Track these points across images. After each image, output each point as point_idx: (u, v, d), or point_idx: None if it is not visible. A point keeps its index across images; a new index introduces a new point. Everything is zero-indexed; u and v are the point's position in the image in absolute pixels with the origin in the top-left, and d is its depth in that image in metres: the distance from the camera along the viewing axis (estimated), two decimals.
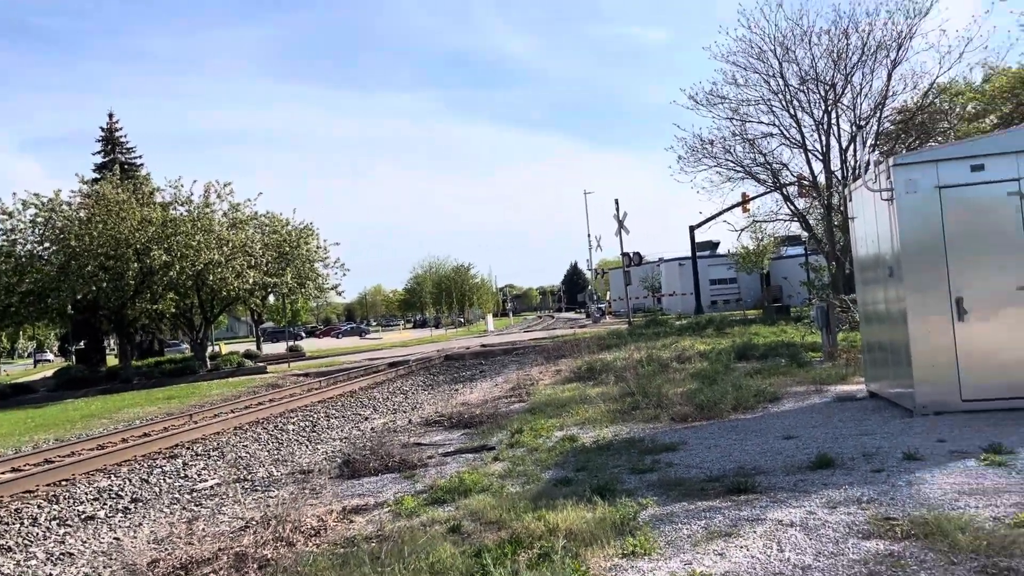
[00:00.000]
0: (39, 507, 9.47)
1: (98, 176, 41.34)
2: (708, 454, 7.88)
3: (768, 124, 30.92)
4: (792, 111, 29.99)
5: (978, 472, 6.22)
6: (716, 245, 60.73)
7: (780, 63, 29.35)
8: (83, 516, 8.85)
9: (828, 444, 7.73)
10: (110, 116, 50.25)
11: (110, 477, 11.07)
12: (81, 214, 33.00)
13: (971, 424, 8.05)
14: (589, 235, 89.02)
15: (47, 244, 32.89)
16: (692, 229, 43.65)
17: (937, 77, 27.93)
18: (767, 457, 7.48)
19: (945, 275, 8.68)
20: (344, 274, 42.58)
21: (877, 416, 9.12)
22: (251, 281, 34.73)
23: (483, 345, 35.76)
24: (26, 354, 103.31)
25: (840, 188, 27.53)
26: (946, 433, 7.74)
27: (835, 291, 25.90)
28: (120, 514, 8.85)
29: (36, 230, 33.02)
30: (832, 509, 5.58)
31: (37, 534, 8.21)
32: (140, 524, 8.21)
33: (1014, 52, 66.60)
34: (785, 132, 30.53)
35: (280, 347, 52.75)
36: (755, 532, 5.23)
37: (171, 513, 8.57)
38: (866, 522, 5.21)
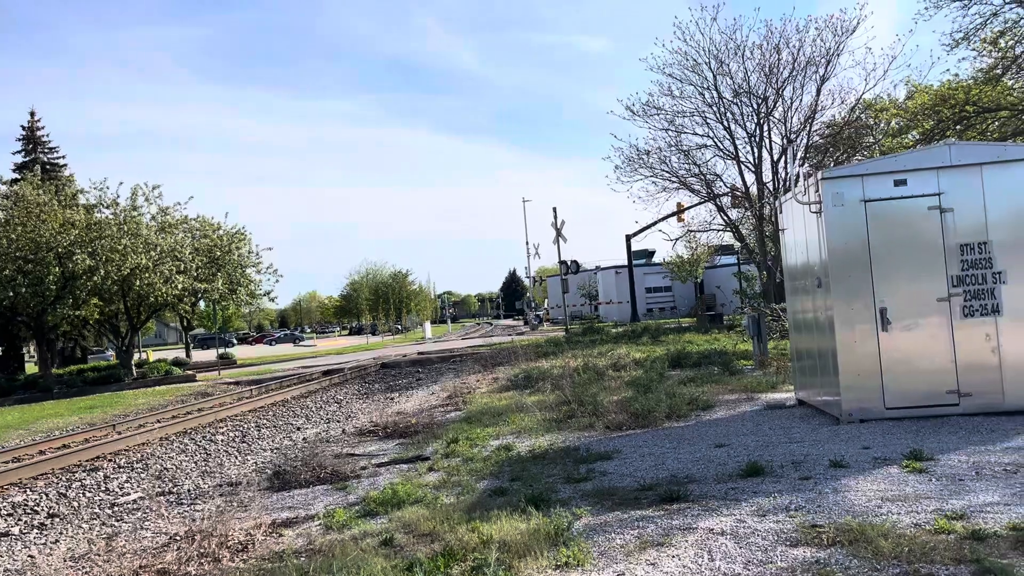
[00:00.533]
0: None
1: (18, 176, 39.72)
2: (642, 463, 7.93)
3: (702, 136, 31.64)
4: (726, 123, 30.73)
5: (900, 479, 6.39)
6: (652, 254, 61.64)
7: (714, 76, 30.06)
8: None
9: (758, 452, 7.86)
10: (31, 114, 48.33)
11: (25, 491, 10.58)
12: None
13: (894, 431, 8.29)
14: (527, 243, 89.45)
15: None
16: (628, 238, 44.23)
17: (863, 93, 29.02)
18: (699, 465, 7.56)
19: (870, 286, 8.94)
20: (277, 280, 41.75)
21: (805, 424, 9.33)
22: (180, 287, 33.80)
23: (420, 353, 35.51)
24: None
25: (771, 199, 28.25)
26: (871, 440, 7.96)
27: (766, 300, 26.53)
28: (36, 530, 8.46)
29: None
30: (762, 517, 5.66)
31: None
32: (57, 541, 7.85)
33: (936, 70, 69.46)
34: (719, 144, 31.27)
35: (211, 354, 51.47)
36: (687, 541, 5.27)
37: (90, 529, 8.22)
38: (794, 530, 5.29)
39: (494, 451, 9.31)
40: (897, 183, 8.96)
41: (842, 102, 29.84)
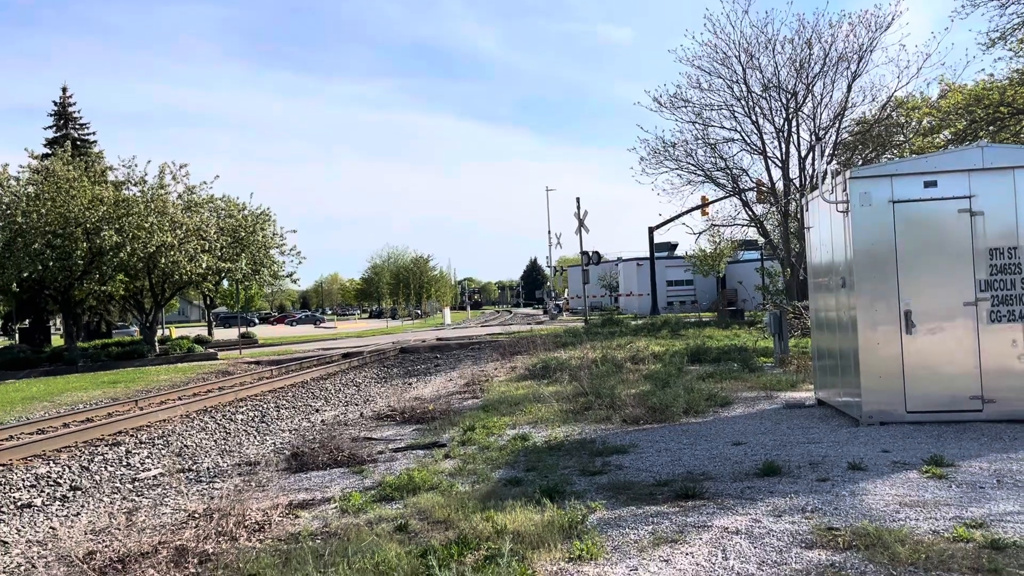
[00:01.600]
0: None
1: (49, 151, 40.21)
2: (658, 458, 7.92)
3: (730, 129, 31.37)
4: (754, 117, 30.44)
5: (919, 484, 6.34)
6: (674, 247, 61.39)
7: (744, 69, 29.76)
8: (19, 504, 8.58)
9: (776, 451, 7.83)
10: (63, 90, 48.86)
11: (49, 463, 10.77)
12: (29, 190, 32.08)
13: (914, 435, 8.22)
14: (550, 232, 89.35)
15: None
16: (651, 230, 44.02)
17: (895, 91, 28.60)
18: (716, 463, 7.54)
19: (895, 287, 8.84)
20: (300, 262, 41.96)
21: (824, 424, 9.27)
22: (204, 265, 34.10)
23: (439, 339, 35.63)
24: None
25: (797, 196, 27.97)
26: (890, 444, 7.89)
27: (789, 297, 26.31)
28: (58, 503, 8.60)
29: None
30: (777, 517, 5.64)
31: None
32: (78, 514, 7.98)
33: (971, 69, 68.38)
34: (746, 138, 31.00)
35: (232, 333, 51.97)
36: (701, 539, 5.26)
37: (111, 503, 8.35)
38: (810, 531, 5.27)
39: (510, 440, 9.33)
40: (927, 184, 8.84)
41: (873, 99, 29.48)
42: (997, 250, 8.72)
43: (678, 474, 7.13)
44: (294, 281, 46.45)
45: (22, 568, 6.11)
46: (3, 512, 8.24)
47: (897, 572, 4.46)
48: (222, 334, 54.95)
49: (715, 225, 38.23)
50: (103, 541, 6.59)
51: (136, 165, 35.12)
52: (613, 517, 5.89)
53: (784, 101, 29.76)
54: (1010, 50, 20.70)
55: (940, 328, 8.82)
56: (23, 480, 9.76)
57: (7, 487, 9.43)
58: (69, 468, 10.39)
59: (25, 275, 30.19)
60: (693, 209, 37.84)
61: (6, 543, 6.99)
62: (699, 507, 6.02)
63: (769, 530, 5.36)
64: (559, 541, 5.30)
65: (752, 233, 37.31)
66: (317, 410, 15.32)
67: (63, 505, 8.45)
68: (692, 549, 5.08)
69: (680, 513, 5.88)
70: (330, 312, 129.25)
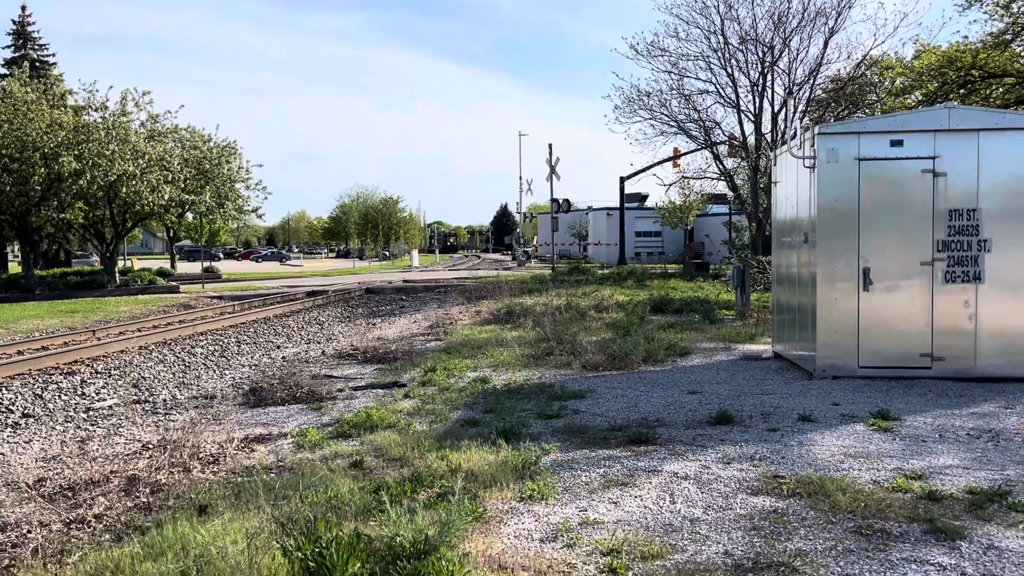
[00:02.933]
0: None
1: (6, 72, 38.80)
2: (614, 404, 8.03)
3: (705, 81, 31.17)
4: (729, 70, 30.25)
5: (865, 436, 6.51)
6: (645, 198, 61.39)
7: (722, 20, 29.47)
8: None
9: (730, 401, 7.97)
10: (23, 8, 46.99)
11: (1, 390, 10.62)
12: None
13: (864, 390, 8.41)
14: (521, 178, 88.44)
15: None
16: (623, 180, 43.97)
17: (871, 49, 28.58)
18: (670, 410, 7.66)
19: (856, 245, 8.95)
20: (266, 197, 41.39)
21: (779, 376, 9.44)
22: (167, 197, 33.38)
23: (406, 280, 35.51)
24: None
25: (768, 151, 28.04)
26: (841, 397, 8.07)
27: (754, 252, 26.57)
28: (9, 429, 8.51)
29: None
30: (726, 464, 5.76)
31: None
32: (30, 441, 7.91)
33: (946, 31, 68.53)
34: (721, 90, 30.84)
35: (196, 267, 51.28)
36: (651, 483, 5.36)
37: (64, 431, 8.29)
38: (756, 479, 5.39)
39: (470, 383, 9.39)
40: (893, 143, 8.89)
41: (848, 57, 29.41)
42: (956, 211, 8.84)
43: (633, 420, 7.24)
44: (260, 217, 45.90)
45: None
46: None
47: (836, 519, 4.60)
48: (185, 268, 54.20)
49: (686, 177, 38.28)
50: (54, 468, 6.54)
51: (97, 90, 34.01)
52: (566, 460, 5.98)
53: (760, 55, 29.59)
54: (985, 12, 20.74)
55: (896, 286, 8.97)
56: None
57: None
58: (22, 395, 10.26)
59: None
60: (665, 160, 37.82)
61: None
62: (651, 452, 6.12)
63: (717, 476, 5.48)
64: (512, 481, 5.38)
65: (722, 187, 37.43)
66: (278, 347, 15.25)
67: (14, 432, 8.37)
68: (641, 492, 5.18)
69: (632, 457, 5.98)
70: (296, 250, 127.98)
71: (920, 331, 8.91)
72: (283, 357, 13.58)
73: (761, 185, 30.00)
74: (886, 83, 27.43)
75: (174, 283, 35.17)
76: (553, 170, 44.25)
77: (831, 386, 8.69)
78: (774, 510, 4.79)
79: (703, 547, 4.26)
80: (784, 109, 29.19)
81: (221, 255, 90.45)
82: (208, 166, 36.59)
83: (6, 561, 4.49)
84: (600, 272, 34.49)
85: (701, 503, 4.96)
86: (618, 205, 45.86)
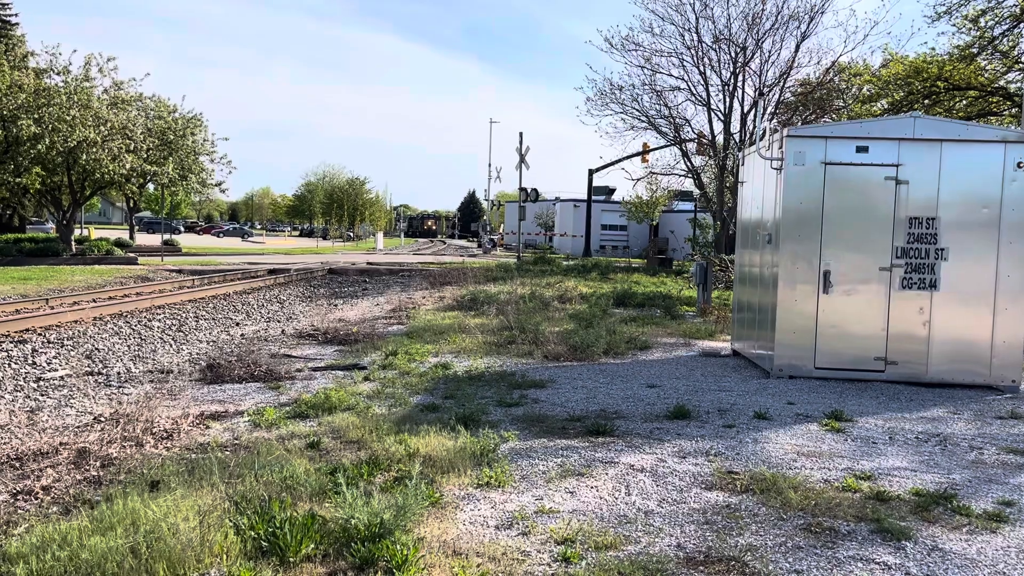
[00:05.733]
0: None
1: None
2: (574, 394, 8.07)
3: (677, 78, 31.36)
4: (702, 68, 30.45)
5: (818, 435, 6.63)
6: (612, 191, 61.68)
7: (697, 18, 29.65)
8: None
9: (687, 396, 8.06)
10: None
11: None
12: None
13: (820, 390, 8.56)
14: (490, 165, 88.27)
15: None
16: (591, 172, 44.07)
17: (840, 55, 28.99)
18: (629, 403, 7.72)
19: (818, 248, 9.09)
20: (231, 172, 41.04)
21: (737, 374, 9.57)
22: (128, 166, 32.68)
23: (370, 263, 35.25)
24: None
25: (736, 151, 28.32)
26: (796, 396, 8.21)
27: (717, 250, 26.85)
28: None
29: None
30: (682, 459, 5.83)
31: None
32: None
33: (914, 41, 69.68)
34: (692, 88, 31.04)
35: (156, 239, 50.38)
36: (607, 474, 5.41)
37: (12, 401, 8.09)
38: (711, 474, 5.47)
39: (431, 368, 9.36)
40: (859, 149, 9.03)
41: (818, 62, 29.83)
42: (916, 219, 9.02)
43: (592, 411, 7.28)
44: (223, 191, 45.16)
45: None
46: None
47: (787, 516, 4.68)
48: (145, 239, 53.18)
49: (654, 173, 38.51)
50: (1, 438, 6.39)
51: (60, 54, 33.14)
52: (525, 448, 6.00)
53: (733, 55, 29.83)
54: (953, 25, 21.11)
55: (855, 290, 9.13)
56: None
57: None
58: None
59: None
60: (634, 155, 37.96)
61: None
62: (608, 444, 6.17)
63: (673, 470, 5.54)
64: (469, 467, 5.38)
65: (689, 184, 37.76)
66: (238, 324, 15.06)
67: None
68: (597, 483, 5.22)
69: (589, 448, 6.02)
70: (259, 227, 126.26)
71: (876, 335, 9.09)
72: (242, 334, 13.41)
73: (727, 184, 30.30)
74: (853, 90, 27.83)
75: (132, 254, 34.51)
76: (523, 159, 44.20)
77: (787, 385, 8.83)
78: (727, 505, 4.86)
79: (656, 539, 4.31)
80: (754, 110, 29.47)
81: (182, 228, 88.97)
82: (172, 137, 35.91)
83: None
84: (565, 263, 34.59)
85: (656, 496, 5.01)
86: (586, 197, 45.99)
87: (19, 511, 4.66)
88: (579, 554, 4.05)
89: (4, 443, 6.16)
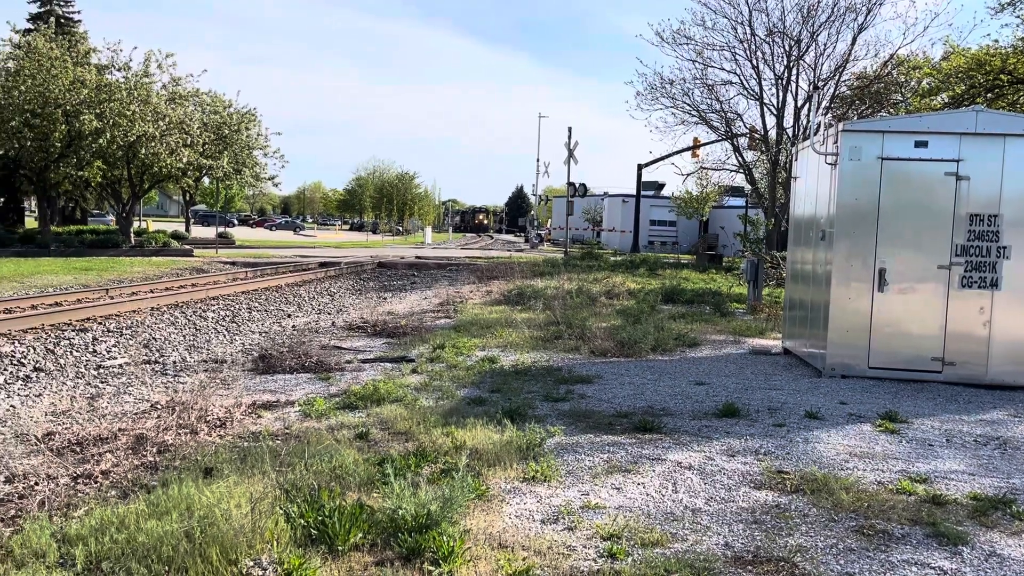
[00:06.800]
0: None
1: (31, 27, 38.82)
2: (621, 390, 8.03)
3: (729, 72, 30.90)
4: (755, 62, 29.97)
5: (871, 436, 6.49)
6: (661, 187, 61.10)
7: (750, 11, 29.17)
8: None
9: (737, 394, 7.95)
10: None
11: (14, 343, 10.71)
12: (9, 65, 31.07)
13: (873, 390, 8.38)
14: (539, 160, 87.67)
15: None
16: (640, 167, 43.71)
17: (899, 48, 28.25)
18: (677, 400, 7.66)
19: (873, 245, 8.88)
20: (283, 165, 41.86)
21: (788, 373, 9.41)
22: (185, 160, 33.49)
23: (418, 257, 35.54)
24: None
25: (789, 146, 27.82)
26: (849, 396, 8.05)
27: (768, 247, 26.43)
28: (20, 382, 8.58)
29: None
30: (731, 457, 5.76)
31: None
32: (40, 395, 7.98)
33: (976, 33, 67.59)
34: (745, 82, 30.56)
35: (210, 232, 51.45)
36: (654, 471, 5.37)
37: (74, 387, 8.35)
38: (760, 473, 5.39)
39: (478, 362, 9.40)
40: (918, 144, 8.79)
41: (876, 55, 29.09)
42: (978, 216, 8.76)
43: (639, 408, 7.24)
44: (276, 185, 46.02)
45: None
46: None
47: (838, 517, 4.59)
48: (200, 232, 54.38)
49: (704, 168, 38.08)
50: (63, 423, 6.61)
51: (121, 50, 34.08)
52: (571, 443, 5.99)
53: (787, 48, 29.28)
54: (1017, 17, 20.40)
55: (912, 289, 8.91)
56: None
57: None
58: (34, 349, 10.35)
59: (1, 152, 29.50)
60: (684, 150, 37.54)
61: None
62: (656, 441, 6.13)
63: (721, 468, 5.48)
64: (516, 461, 5.39)
65: (740, 179, 37.19)
66: (289, 315, 15.31)
67: (25, 385, 8.44)
68: (644, 480, 5.19)
69: (636, 445, 5.99)
70: (310, 220, 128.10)
71: (933, 335, 8.86)
72: (293, 326, 13.63)
73: (779, 180, 29.79)
74: (912, 83, 27.12)
75: (188, 246, 35.33)
76: (571, 154, 44.05)
77: (839, 385, 8.66)
78: (776, 505, 4.79)
79: (704, 537, 4.27)
80: (808, 104, 28.91)
81: (235, 221, 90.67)
82: (227, 132, 36.67)
83: (12, 511, 4.55)
84: (613, 259, 34.41)
85: (704, 494, 4.96)
86: (634, 192, 45.64)
87: (79, 494, 4.81)
88: (625, 550, 4.03)
89: (66, 428, 6.37)
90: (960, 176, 8.73)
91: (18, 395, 7.94)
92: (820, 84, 28.91)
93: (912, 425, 6.91)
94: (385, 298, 19.27)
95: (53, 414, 7.02)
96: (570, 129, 44.19)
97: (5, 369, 9.16)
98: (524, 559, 3.91)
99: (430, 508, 4.13)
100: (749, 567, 3.91)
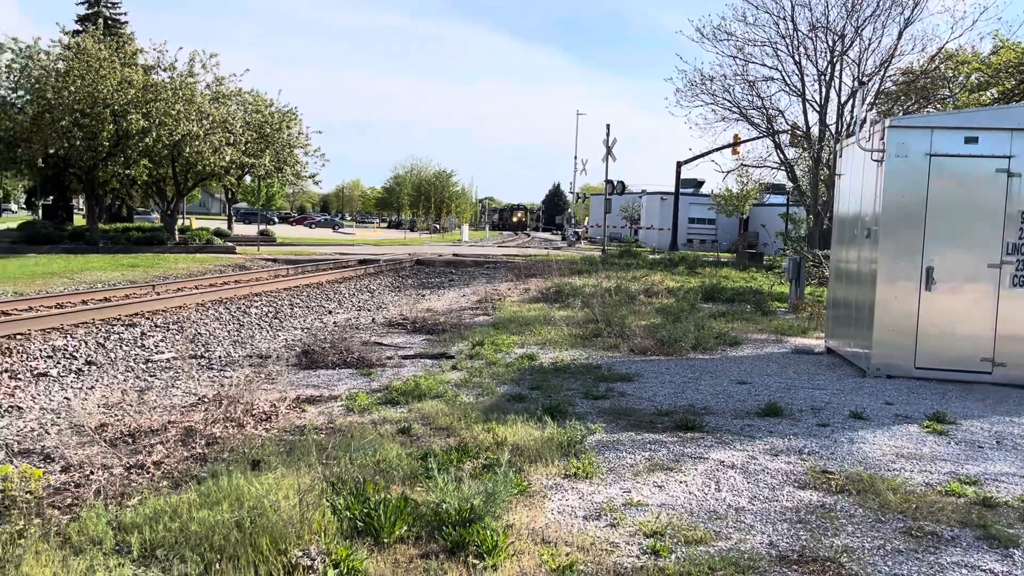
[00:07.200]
0: None
1: (80, 28, 39.73)
2: (662, 389, 8.00)
3: (771, 68, 30.54)
4: (797, 57, 29.60)
5: (919, 437, 6.38)
6: (700, 184, 60.57)
7: (793, 6, 28.82)
8: (35, 372, 8.81)
9: (779, 394, 7.88)
10: None
11: (66, 337, 11.00)
12: (59, 66, 31.80)
13: (919, 391, 8.24)
14: (576, 157, 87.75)
15: (21, 92, 31.76)
16: (679, 164, 43.40)
17: (947, 42, 27.65)
18: (719, 399, 7.61)
19: (920, 243, 8.73)
20: (323, 164, 42.03)
21: (831, 372, 9.29)
22: (228, 158, 34.00)
23: (456, 254, 35.69)
24: None
25: (832, 143, 27.41)
26: (894, 396, 7.92)
27: (810, 245, 26.08)
28: (73, 375, 8.82)
29: (11, 76, 31.81)
30: (774, 456, 5.71)
31: None
32: (92, 388, 8.20)
33: None
34: (786, 78, 30.20)
35: (252, 229, 52.20)
36: (696, 469, 5.35)
37: (124, 381, 8.56)
38: (804, 472, 5.34)
39: (517, 359, 9.43)
40: (968, 140, 8.62)
41: (923, 49, 28.49)
42: None
43: (680, 406, 7.21)
44: (316, 183, 46.44)
45: (35, 433, 6.31)
46: (20, 379, 8.48)
47: (885, 518, 4.54)
48: (241, 229, 55.20)
49: (744, 165, 37.65)
50: (115, 415, 6.78)
51: (167, 50, 34.73)
52: (612, 440, 5.99)
53: (830, 43, 28.85)
54: None
55: (960, 288, 8.74)
56: (40, 351, 10.00)
57: (25, 356, 9.67)
58: (85, 343, 10.62)
59: (52, 151, 30.23)
60: (724, 147, 37.17)
61: (21, 408, 7.21)
62: (697, 439, 6.10)
63: (764, 467, 5.44)
64: (556, 458, 5.42)
65: (781, 177, 36.71)
66: (330, 312, 15.50)
67: (78, 378, 8.67)
68: (686, 478, 5.17)
69: (678, 443, 5.97)
70: (349, 218, 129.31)
71: (982, 335, 8.68)
72: (334, 322, 13.79)
73: (822, 177, 29.37)
74: (960, 78, 26.52)
75: (230, 244, 35.89)
76: (609, 151, 43.86)
77: (884, 385, 8.52)
78: (821, 505, 4.74)
79: (747, 536, 4.25)
80: (852, 100, 28.44)
81: (276, 219, 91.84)
82: (269, 130, 37.13)
83: (69, 500, 4.68)
84: (651, 257, 34.22)
85: (747, 493, 4.93)
86: (673, 190, 45.31)
87: (132, 484, 4.93)
88: (668, 548, 4.03)
89: (118, 420, 6.53)
90: (1012, 173, 8.54)
91: (71, 387, 8.16)
92: (864, 79, 28.43)
93: (961, 426, 6.78)
94: (424, 295, 19.40)
95: (105, 406, 7.20)
96: (608, 126, 44.02)
97: (59, 362, 9.42)
98: (567, 554, 3.93)
99: (473, 502, 4.16)
100: (795, 566, 3.89)
